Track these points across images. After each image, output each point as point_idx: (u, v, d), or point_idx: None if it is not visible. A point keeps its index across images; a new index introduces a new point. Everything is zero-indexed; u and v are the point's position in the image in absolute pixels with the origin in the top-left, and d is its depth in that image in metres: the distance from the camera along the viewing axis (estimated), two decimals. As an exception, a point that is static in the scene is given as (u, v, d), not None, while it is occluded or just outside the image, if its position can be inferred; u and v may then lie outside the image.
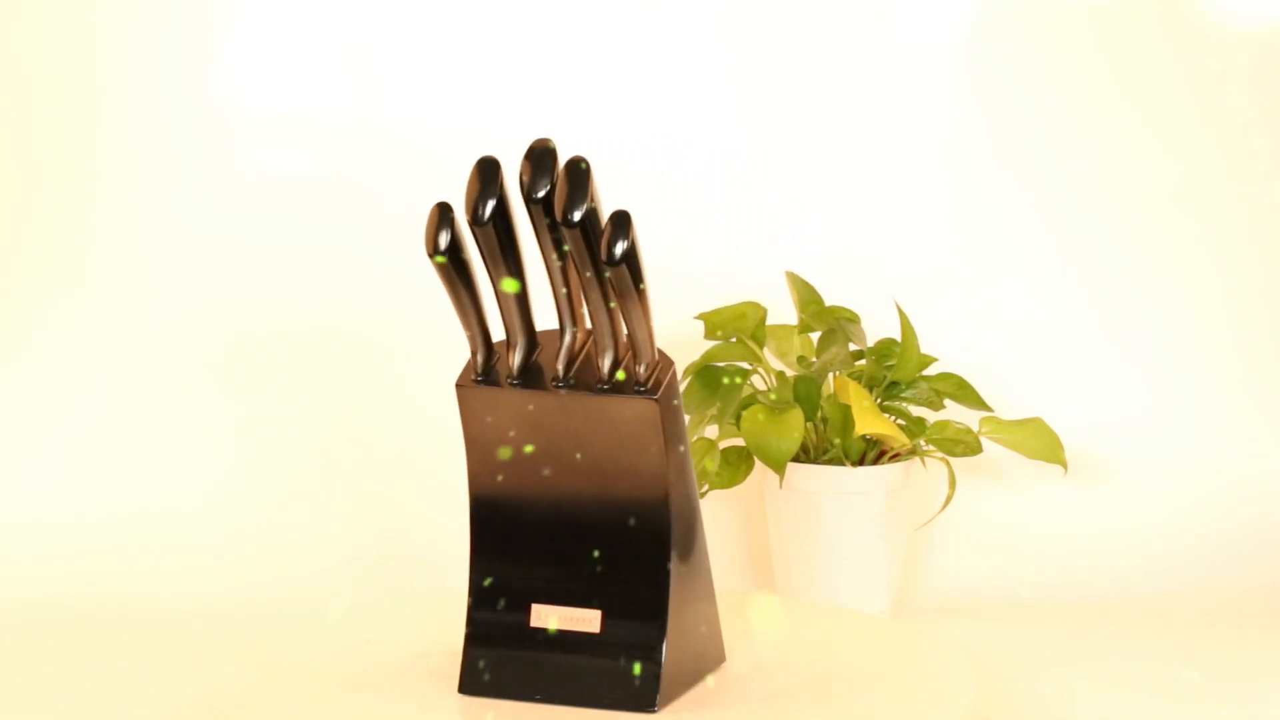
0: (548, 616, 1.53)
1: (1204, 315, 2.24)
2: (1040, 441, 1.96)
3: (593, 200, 1.39)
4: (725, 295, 2.09)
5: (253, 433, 2.20)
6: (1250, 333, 2.24)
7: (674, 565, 1.51)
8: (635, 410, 1.47)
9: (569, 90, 2.24)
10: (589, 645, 1.52)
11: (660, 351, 1.48)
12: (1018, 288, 2.24)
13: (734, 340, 1.98)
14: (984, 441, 1.97)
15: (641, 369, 1.46)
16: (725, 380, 1.95)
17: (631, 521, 1.50)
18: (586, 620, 1.52)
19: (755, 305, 2.00)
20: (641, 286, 1.41)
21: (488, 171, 1.41)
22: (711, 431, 2.08)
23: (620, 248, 1.38)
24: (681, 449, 1.50)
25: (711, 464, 1.94)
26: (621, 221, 1.38)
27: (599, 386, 1.48)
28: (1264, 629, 1.95)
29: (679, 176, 2.23)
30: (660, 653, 1.50)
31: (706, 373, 1.98)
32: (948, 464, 1.96)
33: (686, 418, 1.48)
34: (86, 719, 1.69)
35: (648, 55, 2.24)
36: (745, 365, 1.99)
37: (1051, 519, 2.16)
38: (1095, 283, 2.24)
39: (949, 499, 1.95)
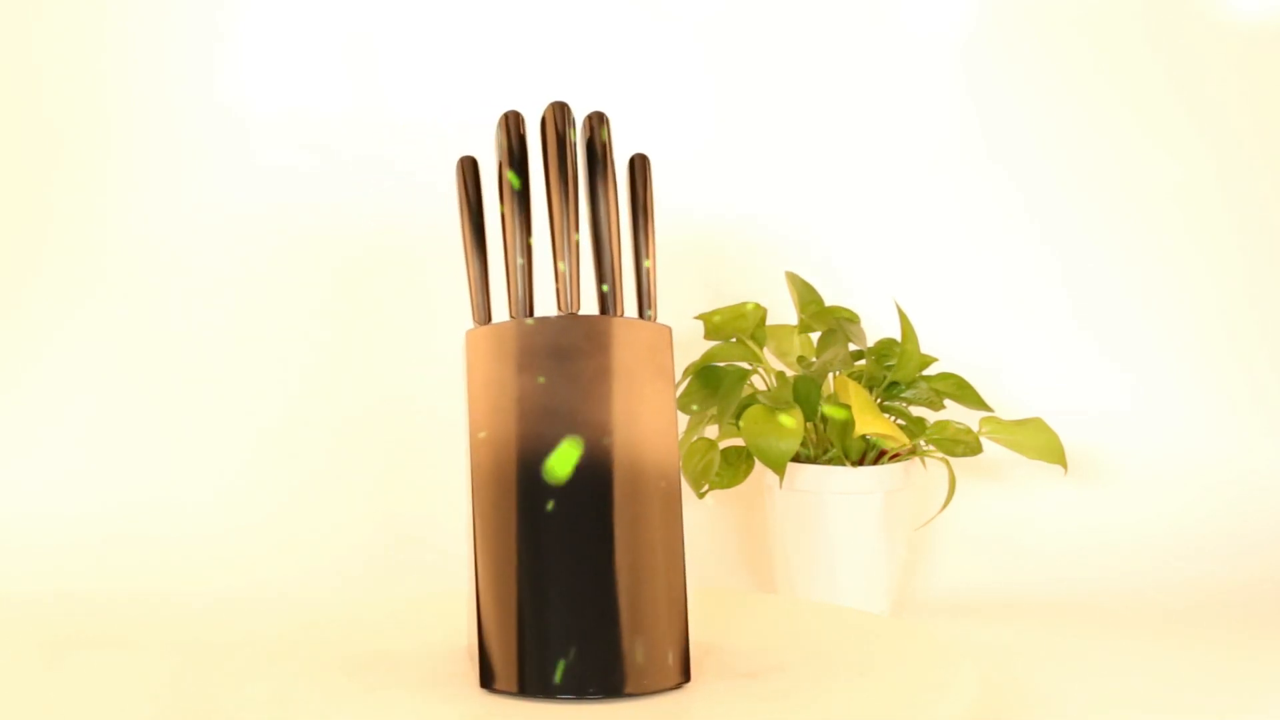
0: None
1: (1202, 315, 2.25)
2: (1040, 441, 1.95)
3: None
4: (725, 295, 2.09)
5: (255, 428, 2.20)
6: (1246, 332, 2.24)
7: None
8: None
9: (570, 88, 2.24)
10: None
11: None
12: (1017, 288, 2.24)
13: (734, 340, 1.98)
14: (984, 441, 1.97)
15: None
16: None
17: None
18: None
19: (755, 305, 2.00)
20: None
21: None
22: (711, 431, 2.08)
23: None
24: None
25: (713, 464, 1.94)
26: None
27: None
28: (1265, 627, 1.95)
29: (678, 176, 2.23)
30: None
31: (706, 373, 1.98)
32: (948, 464, 1.96)
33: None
34: (85, 714, 1.69)
35: (648, 54, 2.24)
36: (745, 365, 1.99)
37: (1051, 519, 2.16)
38: (1094, 283, 2.24)
39: (949, 499, 1.95)
